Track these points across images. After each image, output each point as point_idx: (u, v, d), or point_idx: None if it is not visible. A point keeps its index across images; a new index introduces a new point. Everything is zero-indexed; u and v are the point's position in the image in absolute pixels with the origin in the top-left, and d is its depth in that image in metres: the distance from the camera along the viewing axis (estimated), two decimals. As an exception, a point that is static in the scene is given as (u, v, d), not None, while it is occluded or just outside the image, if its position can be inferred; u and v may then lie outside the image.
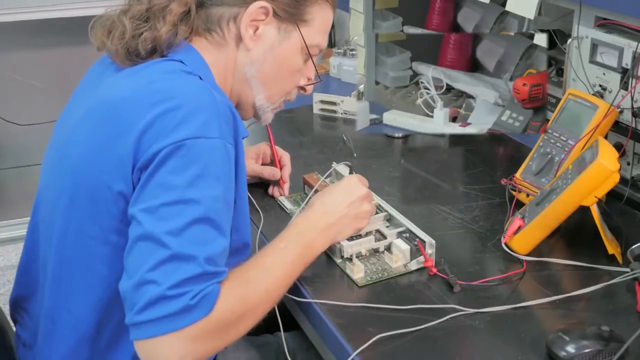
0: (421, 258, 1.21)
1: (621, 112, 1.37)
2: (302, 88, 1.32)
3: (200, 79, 1.11)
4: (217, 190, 1.02)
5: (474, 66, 1.89)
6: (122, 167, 1.03)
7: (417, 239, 1.23)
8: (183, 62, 1.13)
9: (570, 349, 0.99)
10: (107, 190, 1.04)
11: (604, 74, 1.41)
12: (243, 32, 1.18)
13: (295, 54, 1.24)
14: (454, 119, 1.79)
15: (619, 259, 1.24)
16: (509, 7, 1.59)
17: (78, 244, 1.10)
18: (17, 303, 1.27)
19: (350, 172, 1.36)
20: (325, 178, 1.41)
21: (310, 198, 1.30)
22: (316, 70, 1.32)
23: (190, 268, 0.95)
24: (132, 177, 1.03)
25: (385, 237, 1.27)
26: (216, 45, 1.19)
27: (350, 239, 1.24)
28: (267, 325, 1.19)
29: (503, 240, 1.26)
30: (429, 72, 1.83)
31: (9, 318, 1.33)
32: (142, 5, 1.16)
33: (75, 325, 1.12)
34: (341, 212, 1.20)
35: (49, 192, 1.17)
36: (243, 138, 1.13)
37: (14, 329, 1.31)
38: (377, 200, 1.33)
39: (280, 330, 1.19)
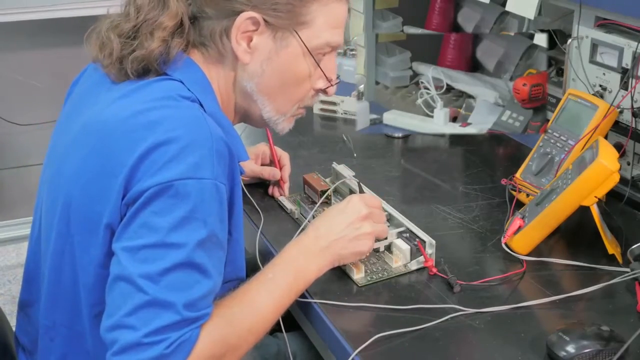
0: (421, 258, 1.21)
1: (621, 112, 1.37)
2: (323, 91, 1.20)
3: (200, 103, 1.06)
4: (203, 233, 0.97)
5: (474, 66, 1.88)
6: (113, 199, 0.99)
7: (417, 239, 1.23)
8: (183, 82, 1.07)
9: (570, 349, 0.99)
10: (100, 221, 1.01)
11: (604, 74, 1.41)
12: (235, 46, 1.10)
13: (297, 61, 1.14)
14: (454, 119, 1.79)
15: (619, 259, 1.23)
16: (509, 7, 1.59)
17: (72, 269, 1.07)
18: (22, 307, 1.25)
19: (360, 188, 1.29)
20: (326, 179, 1.41)
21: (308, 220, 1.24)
22: (323, 71, 1.17)
23: (169, 315, 0.93)
24: (120, 210, 0.99)
25: (385, 237, 1.26)
26: (213, 60, 1.13)
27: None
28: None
29: (503, 240, 1.26)
30: (429, 72, 1.83)
31: (8, 318, 1.33)
32: (129, 22, 1.09)
33: (75, 341, 1.10)
34: (336, 235, 1.14)
35: (46, 210, 1.14)
36: (240, 162, 1.09)
37: (13, 328, 1.31)
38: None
39: (280, 331, 1.19)
